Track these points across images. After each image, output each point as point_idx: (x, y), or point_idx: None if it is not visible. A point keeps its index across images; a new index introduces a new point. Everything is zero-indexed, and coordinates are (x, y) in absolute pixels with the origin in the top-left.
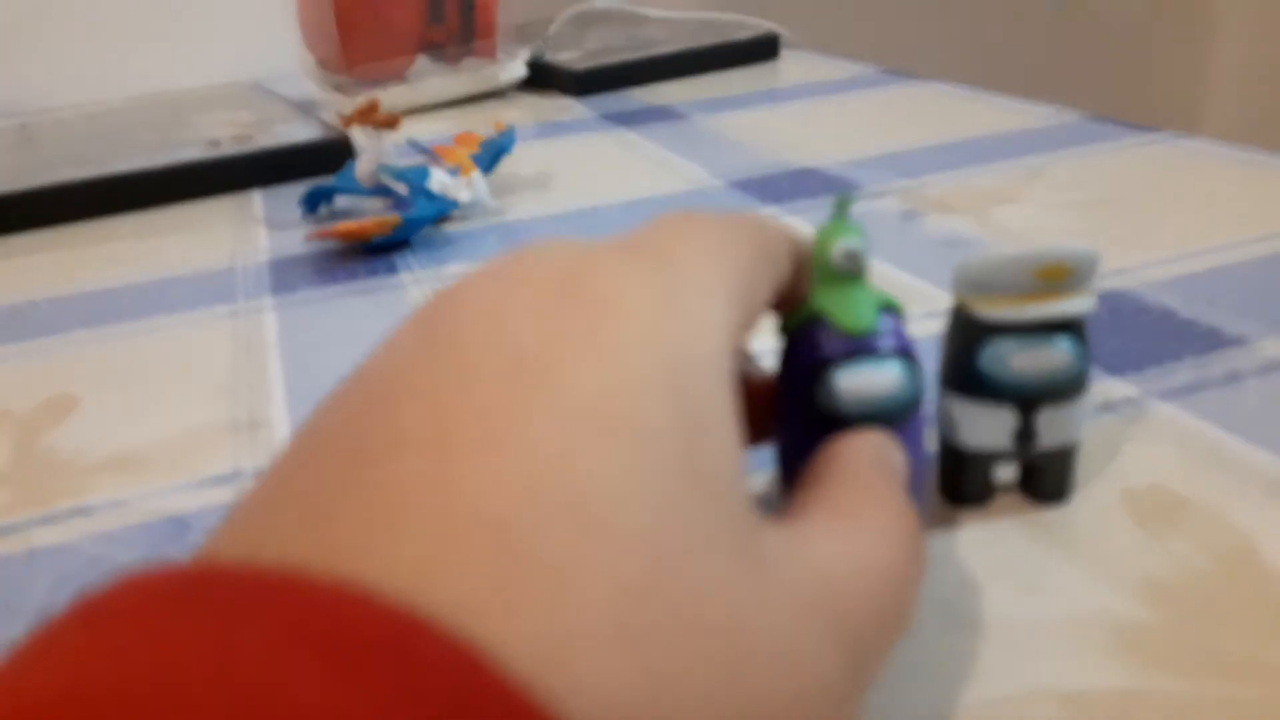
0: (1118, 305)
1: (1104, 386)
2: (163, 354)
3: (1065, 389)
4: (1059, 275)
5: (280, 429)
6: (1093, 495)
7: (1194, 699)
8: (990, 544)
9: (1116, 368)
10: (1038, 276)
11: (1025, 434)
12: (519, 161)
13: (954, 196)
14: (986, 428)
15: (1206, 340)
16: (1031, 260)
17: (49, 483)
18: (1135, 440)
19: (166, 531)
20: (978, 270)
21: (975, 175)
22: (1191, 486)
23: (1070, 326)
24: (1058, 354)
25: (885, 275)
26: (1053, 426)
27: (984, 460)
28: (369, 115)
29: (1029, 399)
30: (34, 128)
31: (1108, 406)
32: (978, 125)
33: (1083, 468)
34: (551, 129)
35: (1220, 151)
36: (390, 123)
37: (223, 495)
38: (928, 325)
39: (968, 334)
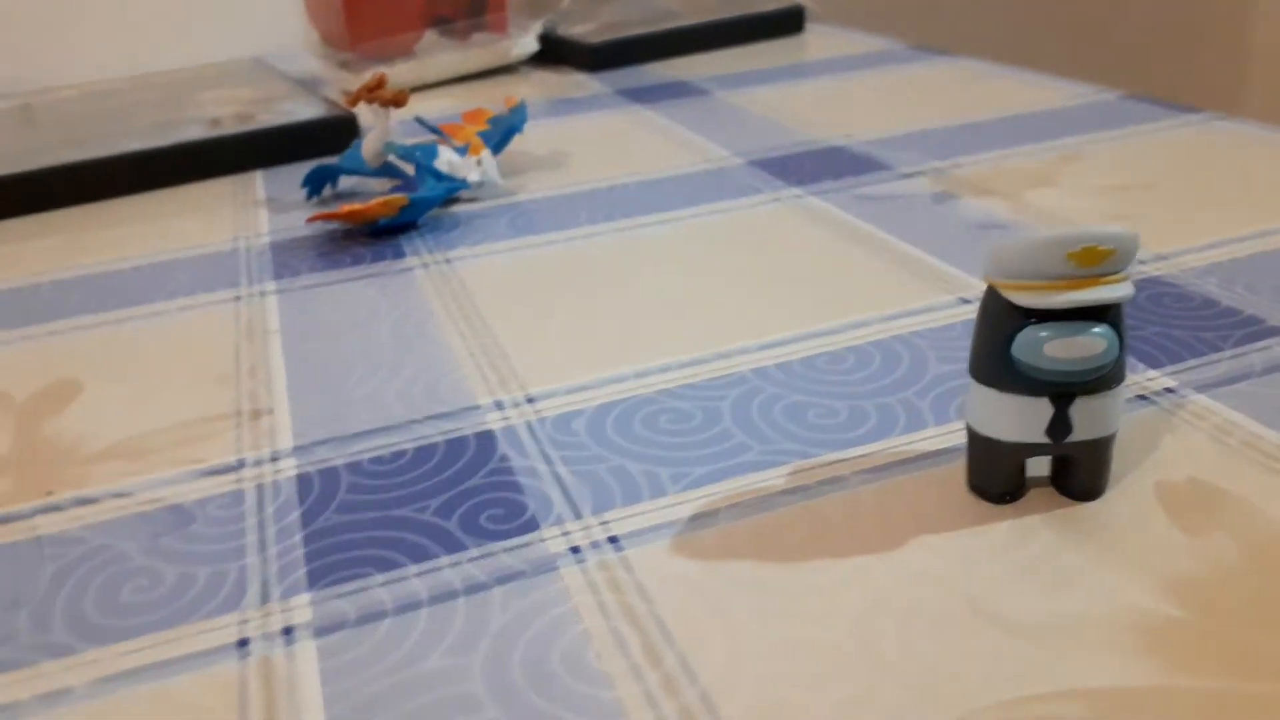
0: (1157, 292)
1: (1141, 377)
2: (165, 340)
3: (1101, 379)
4: (1097, 259)
5: (282, 419)
6: (1127, 489)
7: (1224, 698)
8: (1020, 540)
9: (1154, 358)
10: (1074, 260)
11: (1059, 426)
12: (531, 140)
13: (987, 178)
14: (1019, 419)
15: (1247, 329)
16: (1068, 243)
17: (51, 471)
18: (1172, 433)
19: (168, 521)
20: (1011, 254)
21: (1009, 156)
22: (1229, 480)
23: (1108, 313)
24: (1094, 342)
25: (916, 260)
26: (1088, 418)
27: (1016, 453)
28: (375, 92)
29: (1063, 389)
30: (36, 108)
31: (1145, 398)
32: (1012, 103)
33: (1117, 460)
34: (565, 106)
35: (1261, 133)
36: (397, 100)
37: (225, 485)
38: (961, 312)
39: (1000, 321)
